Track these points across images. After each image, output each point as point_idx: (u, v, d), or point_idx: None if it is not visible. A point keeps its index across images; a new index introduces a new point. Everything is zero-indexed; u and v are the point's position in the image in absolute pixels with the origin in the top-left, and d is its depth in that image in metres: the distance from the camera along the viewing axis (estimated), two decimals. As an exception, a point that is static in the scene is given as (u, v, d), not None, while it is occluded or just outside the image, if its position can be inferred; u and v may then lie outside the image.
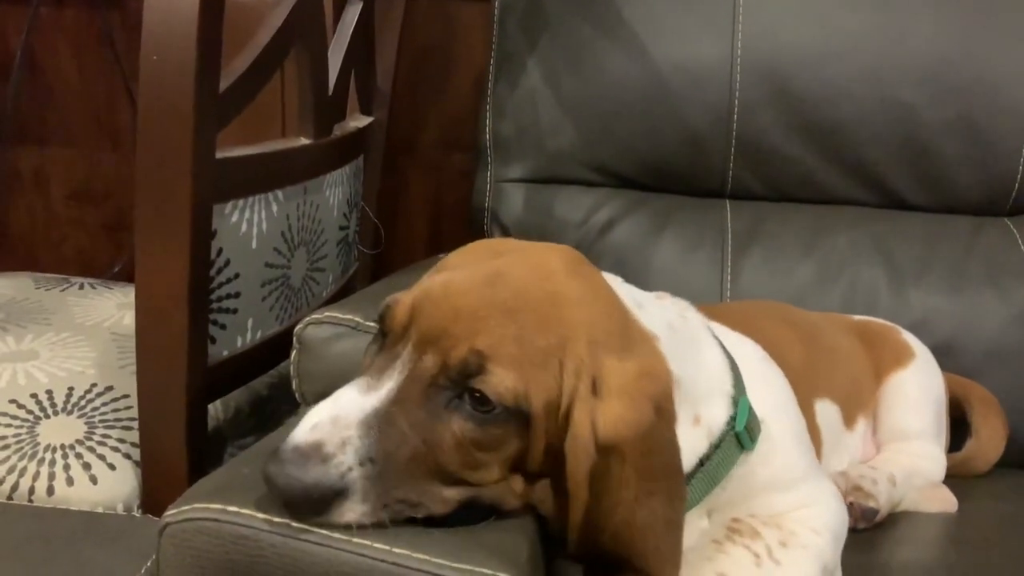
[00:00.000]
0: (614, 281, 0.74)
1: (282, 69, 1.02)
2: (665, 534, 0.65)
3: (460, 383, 0.62)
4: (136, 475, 0.92)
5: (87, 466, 0.92)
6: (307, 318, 0.90)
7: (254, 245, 0.99)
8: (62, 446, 0.93)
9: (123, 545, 0.83)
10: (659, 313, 0.74)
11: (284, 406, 1.14)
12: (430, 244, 1.71)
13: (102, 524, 0.87)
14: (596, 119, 1.34)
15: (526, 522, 0.67)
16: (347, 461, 0.59)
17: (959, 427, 1.16)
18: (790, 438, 0.81)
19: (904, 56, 1.30)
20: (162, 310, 0.83)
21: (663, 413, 0.65)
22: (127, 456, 0.93)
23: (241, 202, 0.95)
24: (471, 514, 0.65)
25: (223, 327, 0.95)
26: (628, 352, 0.66)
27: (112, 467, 0.92)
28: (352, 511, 0.60)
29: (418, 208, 1.70)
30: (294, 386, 0.91)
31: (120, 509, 0.90)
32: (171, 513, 0.62)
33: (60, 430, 0.95)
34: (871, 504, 0.92)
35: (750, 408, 0.76)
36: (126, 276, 1.71)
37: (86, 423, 0.97)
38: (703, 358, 0.76)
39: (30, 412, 0.97)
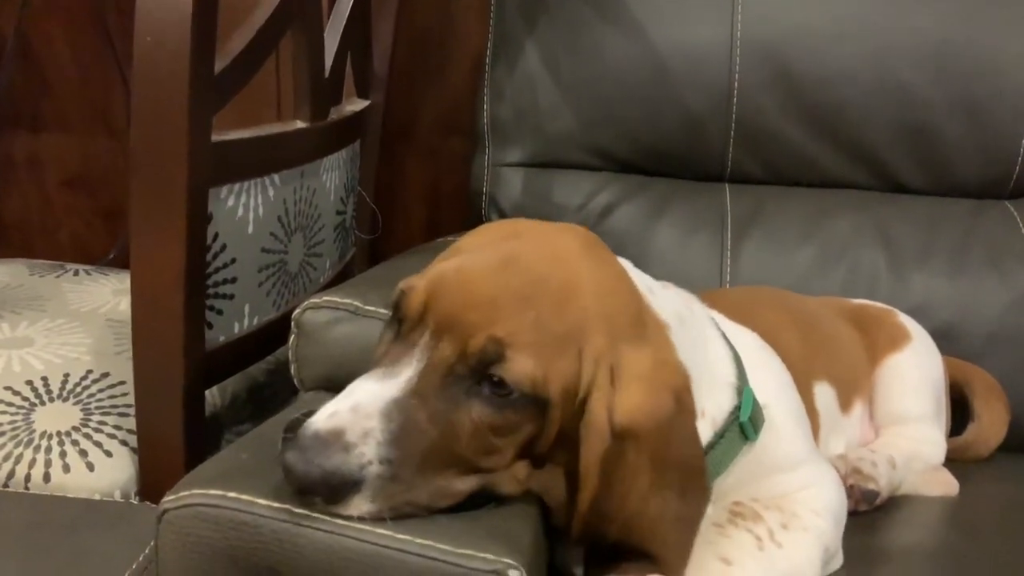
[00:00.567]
0: (626, 266, 0.73)
1: (277, 51, 1.01)
2: (676, 528, 0.65)
3: (479, 371, 0.61)
4: (133, 462, 0.91)
5: (83, 453, 0.91)
6: (306, 303, 0.89)
7: (250, 230, 0.98)
8: (58, 433, 0.93)
9: (121, 532, 0.82)
10: (669, 302, 0.74)
11: (281, 392, 1.13)
12: (428, 229, 1.69)
13: (100, 511, 0.87)
14: (595, 102, 1.33)
15: (529, 507, 0.67)
16: (368, 454, 0.59)
17: (961, 411, 1.16)
18: (791, 422, 0.82)
19: (905, 38, 1.30)
20: (158, 296, 0.83)
21: (683, 405, 0.65)
22: (124, 443, 0.93)
23: (237, 186, 0.94)
24: (472, 500, 0.64)
25: (220, 313, 0.94)
26: (643, 340, 0.66)
27: (109, 454, 0.92)
28: (358, 507, 0.59)
29: (416, 193, 1.69)
30: (292, 371, 0.90)
31: (118, 496, 0.90)
32: (169, 499, 0.62)
33: (56, 417, 0.95)
34: (871, 486, 0.92)
35: (754, 399, 0.76)
36: (121, 263, 1.70)
37: (82, 410, 0.96)
38: (709, 349, 0.77)
39: (25, 399, 0.97)
